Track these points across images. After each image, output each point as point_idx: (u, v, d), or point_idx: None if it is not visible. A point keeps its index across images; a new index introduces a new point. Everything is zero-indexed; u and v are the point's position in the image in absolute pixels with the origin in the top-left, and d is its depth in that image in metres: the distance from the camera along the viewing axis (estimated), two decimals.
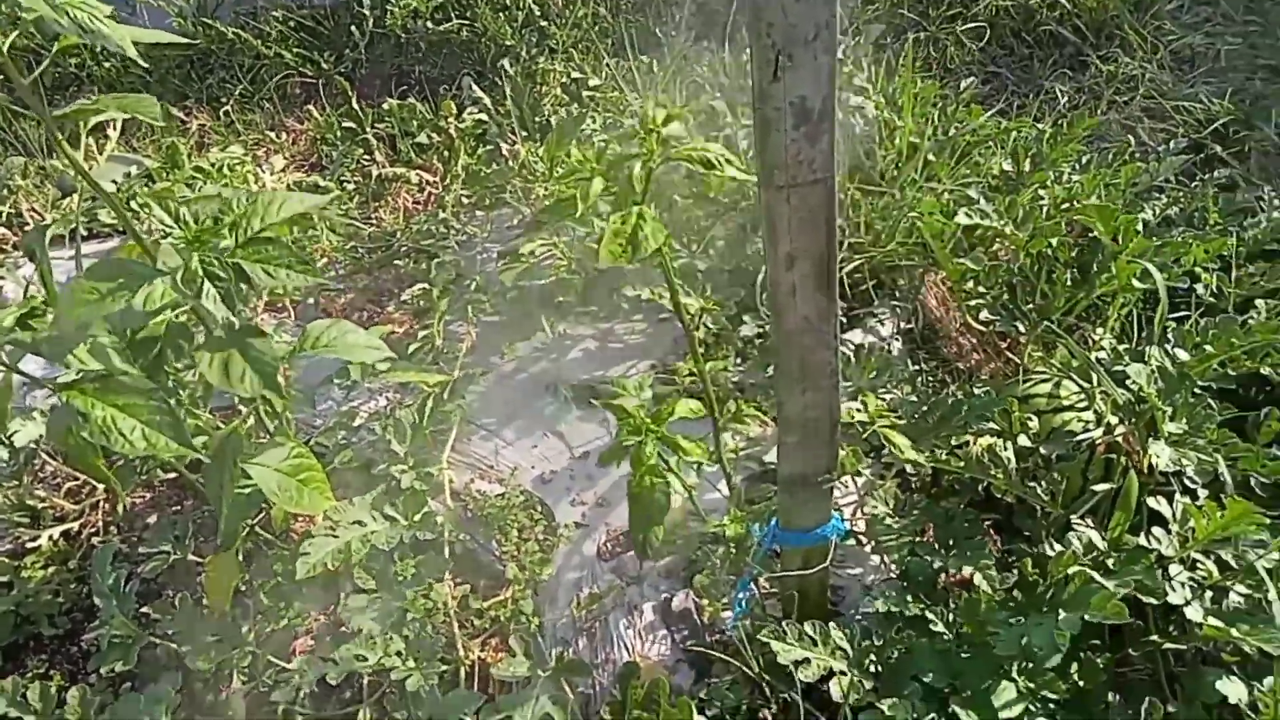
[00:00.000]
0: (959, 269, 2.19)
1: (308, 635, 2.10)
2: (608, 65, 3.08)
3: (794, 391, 1.46)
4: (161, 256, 1.54)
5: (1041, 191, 2.27)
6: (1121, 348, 2.07)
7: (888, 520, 2.02)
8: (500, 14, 3.78)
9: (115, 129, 3.41)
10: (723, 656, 1.93)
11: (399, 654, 1.83)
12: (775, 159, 1.17)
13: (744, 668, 1.87)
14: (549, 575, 1.99)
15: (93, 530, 2.28)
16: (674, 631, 2.04)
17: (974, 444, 2.03)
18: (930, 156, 2.42)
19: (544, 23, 3.60)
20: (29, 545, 2.21)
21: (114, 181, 3.41)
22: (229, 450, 1.60)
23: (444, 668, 1.83)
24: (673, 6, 3.24)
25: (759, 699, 1.89)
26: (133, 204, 3.13)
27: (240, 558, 2.00)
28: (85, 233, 3.29)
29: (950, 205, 2.19)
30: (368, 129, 3.19)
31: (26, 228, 3.21)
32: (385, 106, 3.43)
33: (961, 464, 1.92)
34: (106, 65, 3.99)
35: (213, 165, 3.35)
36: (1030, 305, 2.20)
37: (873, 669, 1.77)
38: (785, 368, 1.42)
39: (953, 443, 2.05)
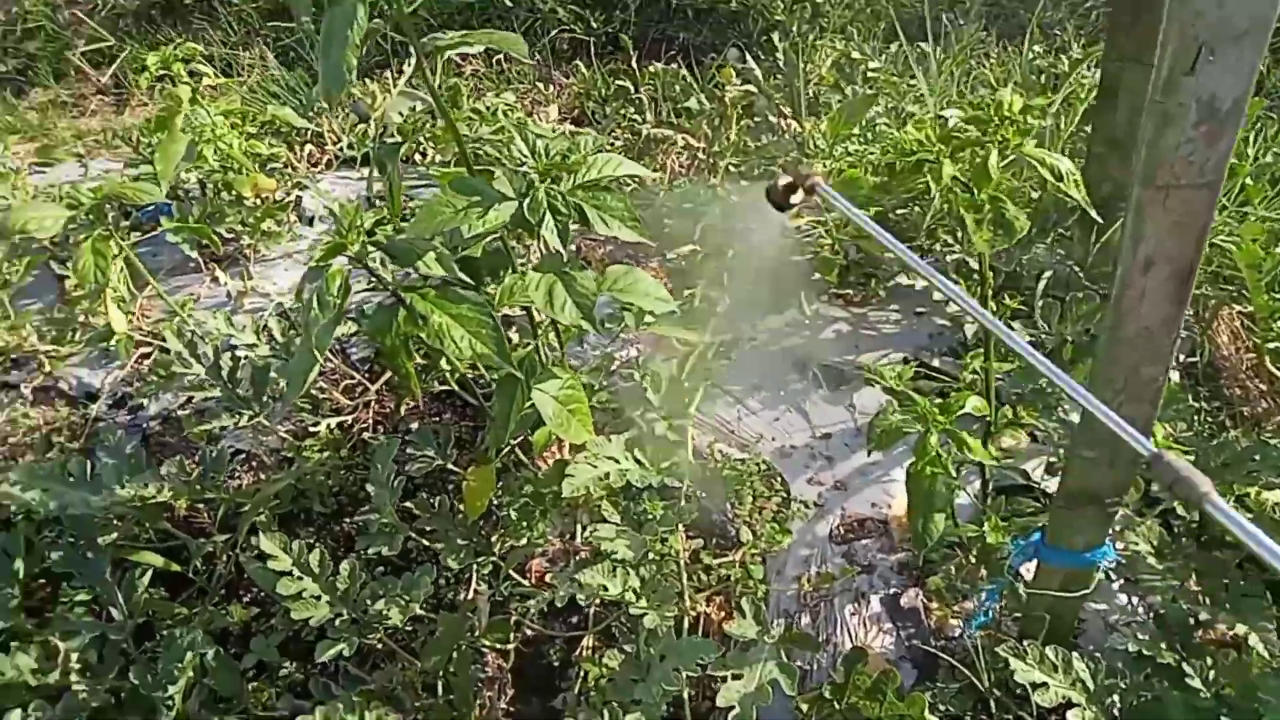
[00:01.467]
0: (1270, 305, 2.01)
1: (543, 557, 2.22)
2: (887, 49, 3.02)
3: (1109, 401, 1.39)
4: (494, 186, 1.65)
5: None
6: None
7: (1150, 559, 1.92)
8: None
9: (408, 67, 3.66)
10: (952, 661, 1.89)
11: (635, 591, 1.91)
12: (1163, 157, 1.11)
13: (974, 678, 1.83)
14: (786, 545, 2.01)
15: (363, 426, 2.49)
16: (900, 627, 2.02)
17: (1261, 496, 1.89)
18: (1248, 180, 2.23)
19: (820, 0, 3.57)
20: (310, 429, 2.44)
21: (400, 114, 3.67)
22: (525, 371, 1.70)
23: (676, 612, 1.89)
24: None
25: (983, 713, 1.84)
26: (420, 136, 3.37)
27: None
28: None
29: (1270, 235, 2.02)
30: (641, 88, 3.28)
31: (326, 146, 3.53)
32: (651, 69, 3.52)
33: (1250, 515, 1.78)
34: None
35: (488, 109, 3.54)
36: None
37: (1115, 710, 1.69)
38: (1107, 376, 1.36)
39: (1236, 491, 1.91)
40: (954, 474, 1.57)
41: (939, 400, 1.60)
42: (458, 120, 3.52)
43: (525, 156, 1.46)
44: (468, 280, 1.54)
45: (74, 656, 2.11)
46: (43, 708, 2.02)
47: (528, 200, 1.45)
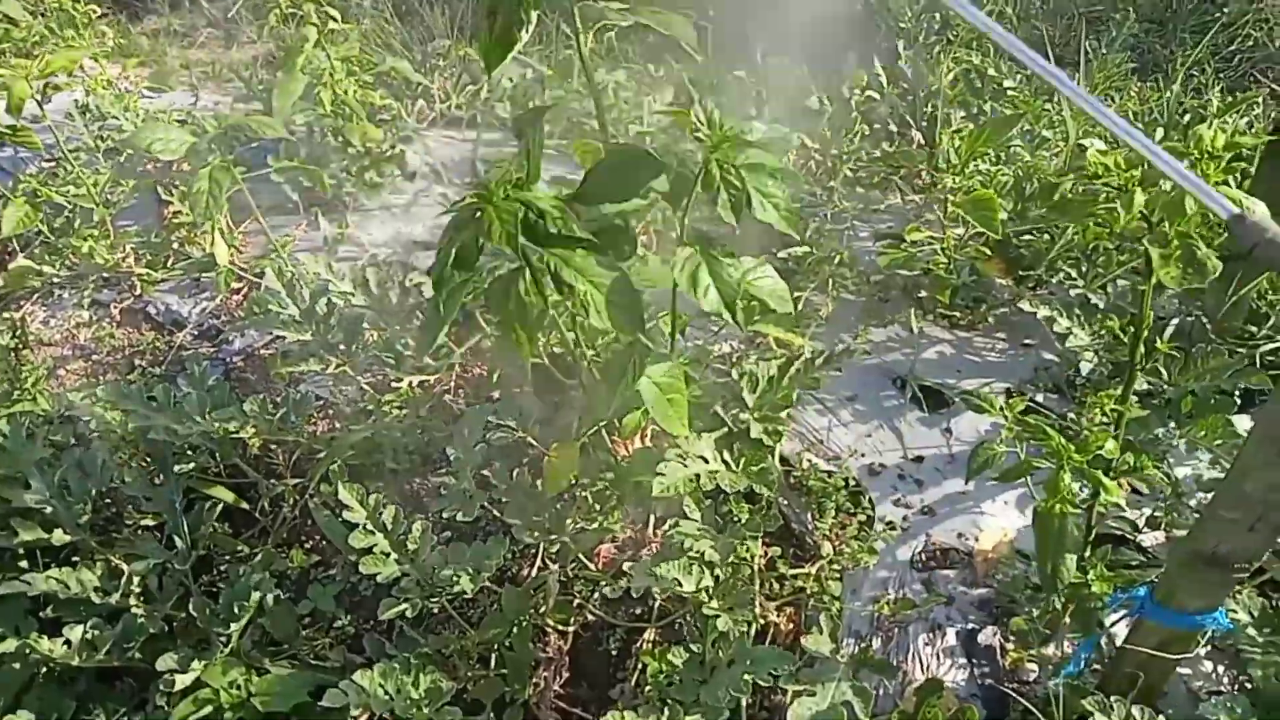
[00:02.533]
0: None
1: (612, 543, 2.17)
2: (1022, 69, 2.91)
3: (1263, 466, 1.30)
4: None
5: None
6: None
7: (1250, 630, 1.82)
8: None
9: (526, 32, 3.63)
10: (1027, 705, 1.81)
11: (708, 591, 1.85)
12: None
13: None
14: (870, 565, 1.94)
15: (445, 388, 2.46)
16: (974, 664, 1.93)
17: None
18: None
19: (949, 10, 3.46)
20: (392, 384, 2.42)
21: (510, 79, 3.64)
22: (639, 351, 1.64)
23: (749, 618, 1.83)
24: (1110, 23, 3.00)
25: None
26: (531, 104, 3.34)
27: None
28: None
29: None
30: (761, 84, 3.21)
31: (435, 103, 3.51)
32: (767, 64, 3.44)
33: None
34: None
35: (599, 86, 3.49)
36: None
37: None
38: (1270, 435, 1.27)
39: None
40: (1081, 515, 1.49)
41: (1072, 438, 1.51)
42: (569, 93, 3.49)
43: (700, 125, 1.40)
44: (608, 253, 1.49)
45: (135, 580, 2.11)
46: (100, 626, 2.03)
47: (701, 172, 1.39)
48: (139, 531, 2.35)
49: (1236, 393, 2.04)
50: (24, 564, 2.16)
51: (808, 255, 2.41)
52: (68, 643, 1.96)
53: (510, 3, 1.43)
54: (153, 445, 2.32)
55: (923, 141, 2.75)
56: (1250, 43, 3.66)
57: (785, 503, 2.12)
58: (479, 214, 1.35)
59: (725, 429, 2.05)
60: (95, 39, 4.11)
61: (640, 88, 3.65)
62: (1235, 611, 1.83)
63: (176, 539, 2.19)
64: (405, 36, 3.70)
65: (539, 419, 2.34)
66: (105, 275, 2.96)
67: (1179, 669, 1.91)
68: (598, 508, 2.09)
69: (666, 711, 1.71)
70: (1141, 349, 1.47)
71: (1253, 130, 2.53)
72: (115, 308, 2.90)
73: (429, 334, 1.46)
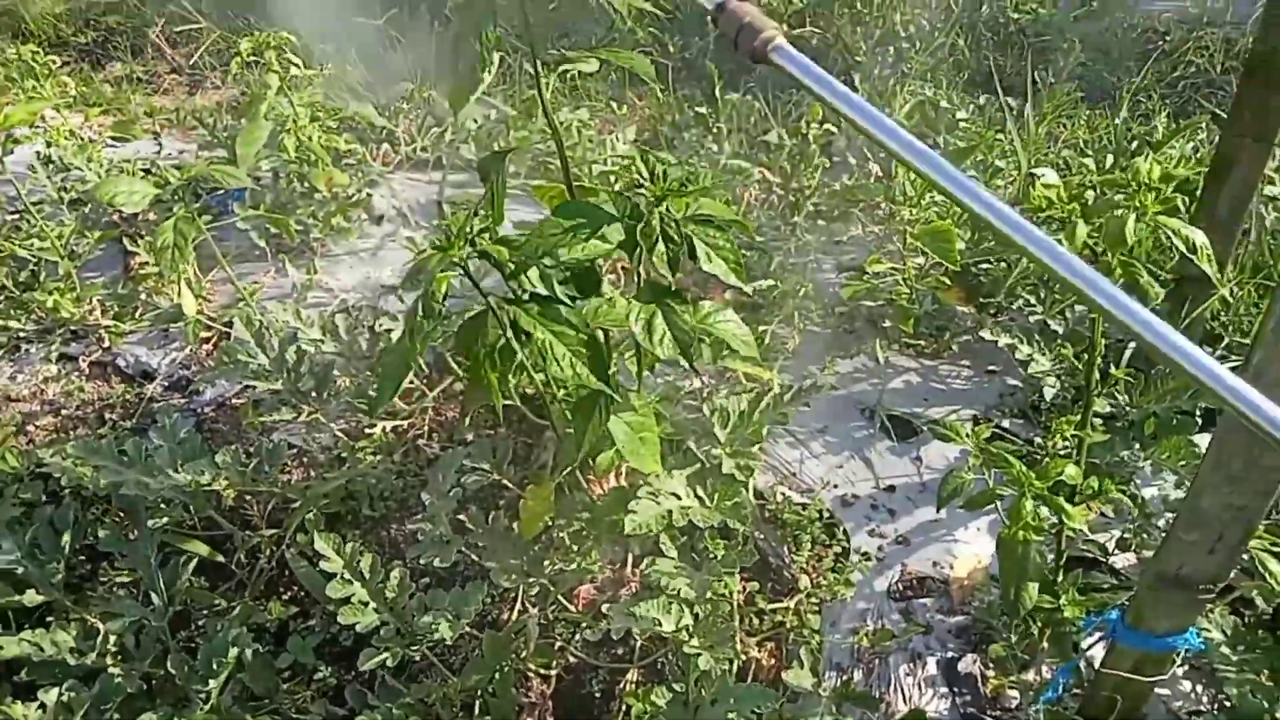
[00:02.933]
0: None
1: (592, 584, 2.18)
2: (974, 101, 2.99)
3: (1221, 486, 1.34)
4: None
5: None
6: None
7: (1223, 649, 1.86)
8: (858, 28, 3.76)
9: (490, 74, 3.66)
10: None
11: (688, 629, 1.86)
12: None
13: None
14: (848, 597, 1.96)
15: (418, 432, 2.47)
16: (956, 693, 1.96)
17: None
18: None
19: (905, 44, 3.55)
20: (365, 430, 2.42)
21: (474, 120, 3.67)
22: (606, 396, 1.67)
23: (731, 655, 1.84)
24: (1058, 53, 3.09)
25: None
26: (496, 145, 3.37)
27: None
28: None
29: None
30: (722, 119, 3.26)
31: (399, 147, 3.53)
32: (729, 99, 3.50)
33: None
34: None
35: (562, 124, 3.54)
36: None
37: None
38: (1223, 457, 1.31)
39: None
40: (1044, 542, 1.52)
41: (1031, 465, 1.55)
42: (532, 133, 3.52)
43: (643, 179, 1.43)
44: (566, 299, 1.52)
45: (112, 639, 2.09)
46: (77, 688, 1.99)
47: (641, 224, 1.42)
48: (114, 589, 2.32)
49: (1197, 413, 2.09)
50: None
51: (772, 289, 2.45)
52: (42, 706, 1.92)
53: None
54: (125, 500, 2.30)
55: (880, 174, 2.81)
56: (1192, 69, 3.79)
57: (761, 537, 2.14)
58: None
59: (698, 465, 2.07)
60: (57, 89, 4.09)
61: (604, 125, 3.70)
62: (1209, 630, 1.87)
63: (153, 595, 2.16)
64: (368, 80, 3.73)
65: (513, 460, 2.35)
66: (73, 328, 2.94)
67: (1158, 690, 1.95)
68: (575, 549, 2.10)
69: None
70: (1097, 374, 1.51)
71: (1198, 155, 2.62)
72: (84, 361, 2.88)
73: (389, 381, 1.48)
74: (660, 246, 1.40)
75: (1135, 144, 2.72)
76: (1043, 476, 1.50)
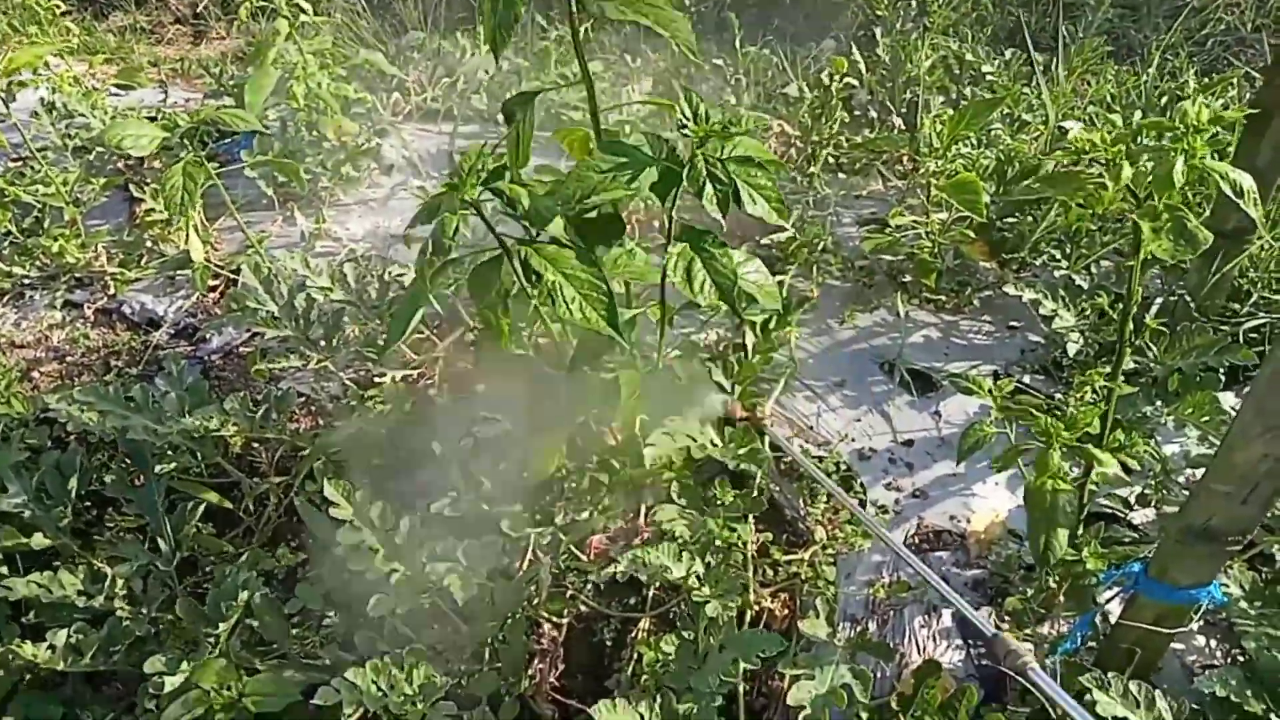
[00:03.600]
0: None
1: (604, 534, 2.15)
2: (1000, 54, 2.92)
3: (1254, 438, 1.30)
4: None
5: None
6: None
7: (1241, 604, 1.83)
8: None
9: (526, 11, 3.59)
10: (1026, 684, 1.81)
11: (698, 577, 1.84)
12: None
13: (1047, 705, 1.75)
14: (864, 549, 1.93)
15: (429, 382, 2.43)
16: (970, 645, 1.94)
17: None
18: None
19: None
20: (375, 379, 2.39)
21: (485, 71, 3.60)
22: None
23: (740, 603, 1.82)
24: (1086, 8, 3.02)
25: None
26: (510, 93, 3.30)
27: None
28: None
29: None
30: (740, 71, 3.19)
31: (410, 96, 3.47)
32: (747, 52, 3.43)
33: None
34: None
35: (574, 75, 3.47)
36: None
37: None
38: (1261, 408, 1.27)
39: None
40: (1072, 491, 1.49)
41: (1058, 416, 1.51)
42: (548, 83, 3.46)
43: (686, 119, 1.38)
44: (579, 244, 1.48)
45: (119, 583, 2.08)
46: (85, 630, 1.99)
47: (687, 166, 1.37)
48: (121, 534, 2.30)
49: (1222, 370, 2.05)
50: (3, 569, 2.12)
51: (791, 241, 2.41)
52: (51, 647, 1.91)
53: None
54: (132, 446, 2.28)
55: (903, 127, 2.75)
56: (1222, 26, 3.70)
57: (777, 489, 2.11)
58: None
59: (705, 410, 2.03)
60: (60, 35, 4.03)
61: (617, 78, 3.63)
62: (1227, 586, 1.85)
63: (160, 540, 2.15)
64: (378, 29, 3.65)
65: (525, 409, 2.32)
66: (77, 275, 2.91)
67: (1174, 644, 1.93)
68: (588, 498, 2.08)
69: (659, 699, 1.69)
70: (1130, 326, 1.47)
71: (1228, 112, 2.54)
72: (89, 308, 2.84)
73: (401, 320, 1.45)
74: (709, 188, 1.35)
75: (1164, 100, 2.65)
76: (1070, 428, 1.47)
